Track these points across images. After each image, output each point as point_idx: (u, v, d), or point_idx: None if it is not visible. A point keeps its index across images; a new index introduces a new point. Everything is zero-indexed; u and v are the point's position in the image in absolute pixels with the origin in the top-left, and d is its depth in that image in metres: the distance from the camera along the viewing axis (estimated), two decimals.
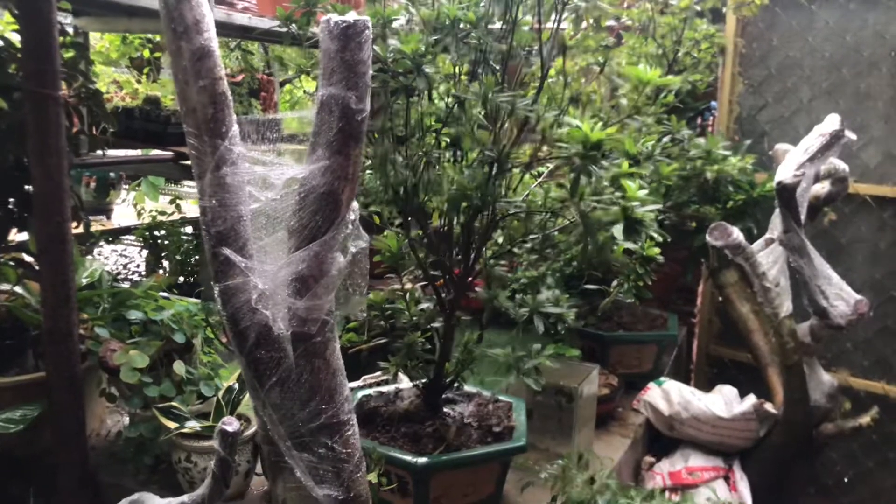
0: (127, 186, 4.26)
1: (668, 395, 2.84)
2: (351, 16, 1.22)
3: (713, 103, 3.60)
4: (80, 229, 3.52)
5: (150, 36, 3.19)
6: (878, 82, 3.24)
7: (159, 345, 2.17)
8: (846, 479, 3.50)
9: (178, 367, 2.13)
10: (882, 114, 3.25)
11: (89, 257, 3.24)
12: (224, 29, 2.78)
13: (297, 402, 1.31)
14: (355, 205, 1.30)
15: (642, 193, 1.53)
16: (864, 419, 2.83)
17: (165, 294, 2.48)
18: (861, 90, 3.28)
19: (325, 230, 1.26)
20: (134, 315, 2.23)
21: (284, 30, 1.77)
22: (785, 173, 2.35)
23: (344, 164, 1.23)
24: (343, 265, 1.30)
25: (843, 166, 2.74)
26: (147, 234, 3.64)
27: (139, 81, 2.99)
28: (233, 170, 1.25)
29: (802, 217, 2.49)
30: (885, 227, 3.29)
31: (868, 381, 3.37)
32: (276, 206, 1.28)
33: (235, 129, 1.27)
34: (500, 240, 1.99)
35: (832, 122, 2.47)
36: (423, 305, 2.07)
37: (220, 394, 2.11)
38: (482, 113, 1.77)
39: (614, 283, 1.95)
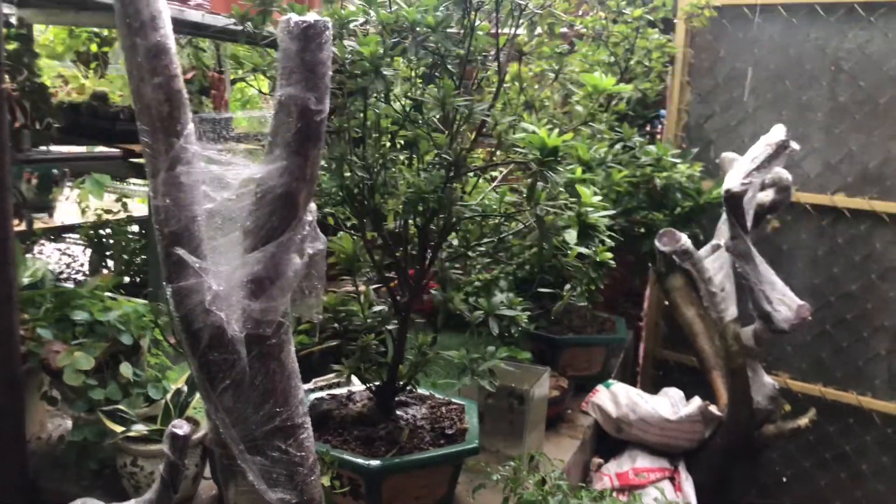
0: (71, 183, 4.14)
1: (615, 398, 2.89)
2: (311, 16, 1.21)
3: (662, 111, 3.67)
4: (23, 227, 3.43)
5: (97, 30, 3.11)
6: (819, 95, 3.35)
7: (105, 346, 2.11)
8: (784, 479, 3.60)
9: (125, 369, 2.08)
10: (822, 125, 3.36)
11: (30, 256, 3.15)
12: (176, 25, 2.72)
13: (250, 405, 1.29)
14: (313, 206, 1.29)
15: (596, 199, 1.56)
16: (803, 420, 2.92)
17: (112, 294, 2.42)
18: (803, 101, 3.39)
19: (282, 231, 1.25)
20: (79, 316, 2.17)
21: (239, 28, 1.76)
22: (733, 182, 2.42)
23: (302, 165, 1.22)
24: (299, 267, 1.29)
25: (786, 175, 2.83)
26: (92, 232, 3.55)
27: (86, 76, 2.92)
28: (188, 169, 1.23)
29: (749, 224, 2.56)
30: (824, 234, 3.40)
31: (806, 384, 3.48)
32: (232, 206, 1.26)
33: (191, 127, 1.25)
34: (455, 242, 2.00)
35: (778, 132, 2.55)
36: (377, 308, 2.07)
37: (169, 396, 2.07)
38: (439, 116, 1.78)
39: (567, 286, 1.98)
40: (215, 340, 1.27)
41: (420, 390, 2.16)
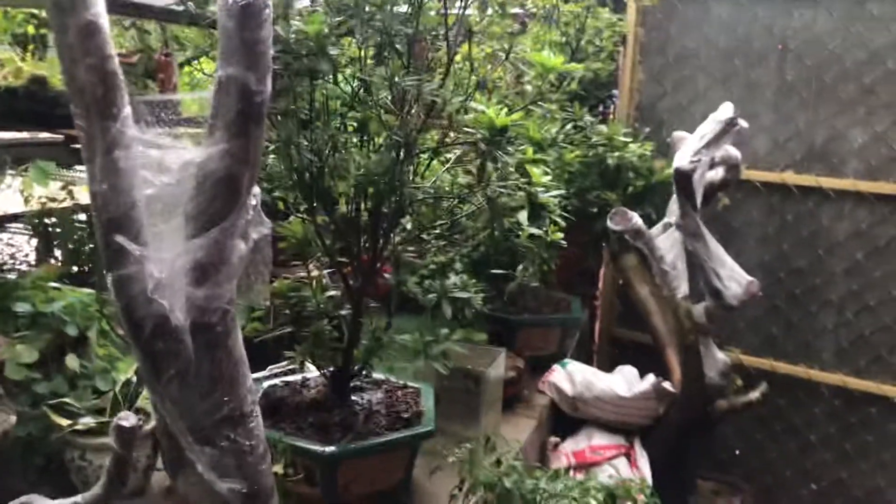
0: (13, 171, 4.00)
1: (571, 377, 2.91)
2: None
3: (615, 91, 3.69)
4: None
5: (34, 11, 3.00)
6: (767, 73, 3.40)
7: (49, 338, 2.05)
8: (737, 452, 3.69)
9: (71, 361, 2.03)
10: (770, 103, 3.41)
11: None
12: (118, 7, 2.64)
13: (197, 395, 1.26)
14: (256, 190, 1.26)
15: (546, 179, 1.55)
16: (754, 394, 2.99)
17: (56, 284, 2.35)
18: (752, 80, 3.43)
19: (225, 216, 1.21)
20: (21, 307, 2.10)
21: (181, 9, 1.70)
22: (682, 160, 2.44)
23: (244, 148, 1.19)
24: (244, 252, 1.26)
25: (735, 153, 2.87)
26: (36, 221, 3.43)
27: (23, 59, 2.81)
28: (125, 153, 1.19)
29: (698, 202, 2.59)
30: (774, 211, 3.46)
31: (757, 359, 3.55)
32: (173, 191, 1.22)
33: (128, 110, 1.20)
34: (409, 226, 1.98)
35: (726, 110, 2.58)
36: (331, 293, 2.04)
37: (118, 388, 2.02)
38: (389, 97, 1.75)
39: (520, 267, 1.98)
40: (159, 330, 1.23)
41: (376, 375, 2.15)
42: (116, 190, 1.20)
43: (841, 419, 3.43)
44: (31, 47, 2.95)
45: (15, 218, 3.75)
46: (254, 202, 1.26)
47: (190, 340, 1.25)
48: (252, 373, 2.10)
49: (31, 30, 3.00)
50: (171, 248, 1.25)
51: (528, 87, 1.81)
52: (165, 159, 1.22)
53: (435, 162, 1.97)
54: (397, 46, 1.71)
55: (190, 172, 1.21)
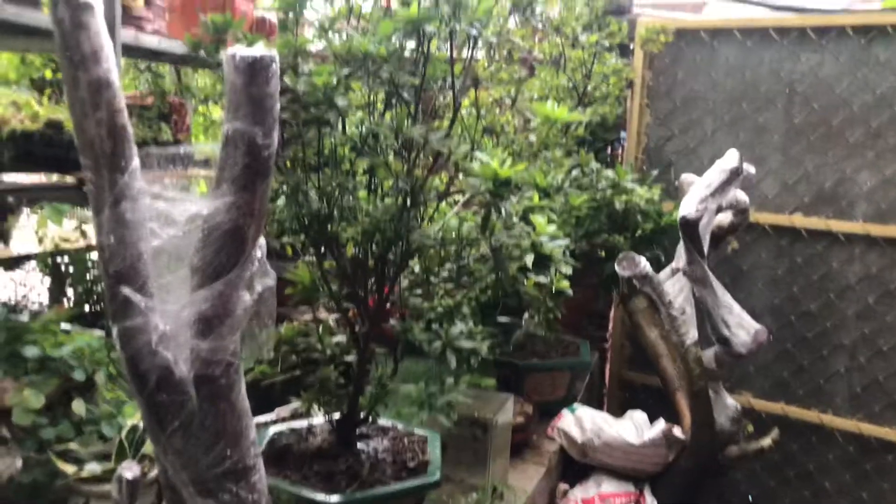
0: (28, 210, 4.05)
1: (581, 422, 2.88)
2: (258, 49, 1.19)
3: (623, 133, 3.71)
4: None
5: (52, 56, 3.05)
6: (775, 116, 3.41)
7: (57, 383, 2.06)
8: (750, 499, 3.62)
9: (78, 406, 2.03)
10: (778, 146, 3.41)
11: None
12: (133, 51, 2.69)
13: (200, 448, 1.26)
14: (262, 241, 1.27)
15: (551, 228, 1.55)
16: (766, 441, 2.94)
17: (67, 327, 2.36)
18: (759, 123, 3.44)
19: (230, 268, 1.22)
20: (30, 352, 2.11)
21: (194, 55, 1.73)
22: (688, 208, 2.44)
23: (250, 201, 1.20)
24: (249, 304, 1.26)
25: (744, 198, 2.86)
26: (49, 261, 3.47)
27: (40, 104, 2.86)
28: (133, 206, 1.20)
29: (705, 248, 2.58)
30: (783, 254, 3.45)
31: (769, 403, 3.51)
32: (179, 243, 1.23)
33: (136, 162, 1.22)
34: (416, 269, 1.99)
35: (732, 158, 2.58)
36: (337, 339, 2.04)
37: (124, 433, 2.01)
38: (396, 145, 1.77)
39: (525, 315, 1.97)
40: (163, 381, 1.23)
41: (382, 421, 2.13)
42: (123, 242, 1.21)
43: (856, 466, 3.37)
44: (48, 92, 3.00)
45: (29, 258, 3.79)
46: (259, 254, 1.27)
47: (194, 393, 1.25)
48: (259, 415, 2.10)
49: (48, 74, 3.06)
50: (176, 300, 1.25)
51: (533, 137, 1.82)
52: (172, 212, 1.23)
53: (444, 203, 1.97)
54: (404, 95, 1.73)
55: (196, 225, 1.22)
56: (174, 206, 1.24)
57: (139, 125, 2.76)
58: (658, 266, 2.96)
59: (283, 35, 1.84)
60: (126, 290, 1.22)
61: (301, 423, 2.15)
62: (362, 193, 1.83)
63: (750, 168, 2.65)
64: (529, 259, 1.53)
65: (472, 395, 2.13)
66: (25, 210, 4.32)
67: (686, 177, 3.05)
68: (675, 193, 3.31)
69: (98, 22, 1.16)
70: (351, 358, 1.99)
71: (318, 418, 2.16)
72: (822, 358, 3.40)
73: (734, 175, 2.49)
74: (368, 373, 1.96)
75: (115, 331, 1.24)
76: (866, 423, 3.30)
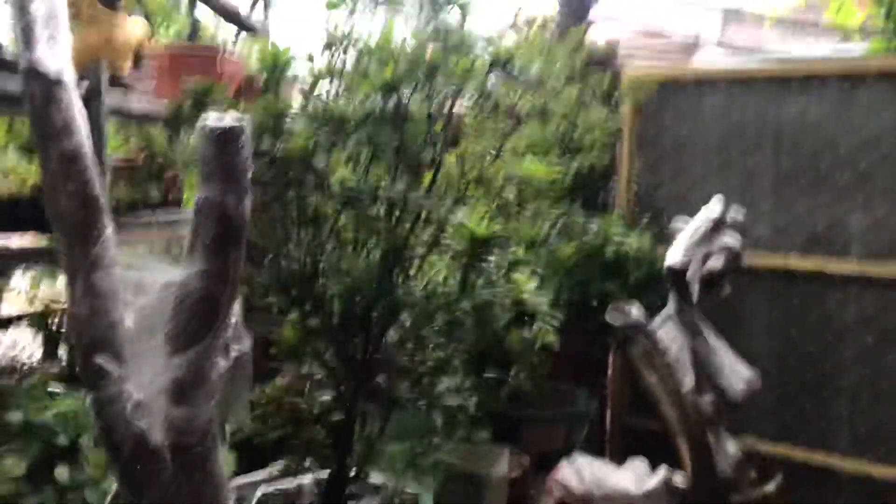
0: (20, 272, 4.05)
1: (580, 473, 2.83)
2: (229, 118, 1.20)
3: (612, 182, 3.72)
4: None
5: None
6: (764, 161, 3.42)
7: (39, 448, 2.03)
8: None
9: (61, 472, 2.00)
10: (769, 190, 3.42)
11: None
12: (121, 115, 2.72)
13: None
14: (237, 307, 1.26)
15: (532, 285, 1.55)
16: (769, 487, 2.88)
17: (57, 389, 2.34)
18: (749, 168, 3.45)
19: (204, 335, 1.21)
20: (14, 417, 2.09)
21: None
22: (673, 257, 2.43)
23: (222, 268, 1.20)
24: (224, 370, 1.25)
25: (734, 243, 2.85)
26: (41, 322, 3.46)
27: (27, 169, 2.88)
28: (105, 275, 1.20)
29: (695, 296, 2.56)
30: (778, 297, 3.42)
31: (772, 446, 3.44)
32: (152, 311, 1.23)
33: (108, 231, 1.22)
34: (406, 324, 1.97)
35: (715, 205, 2.58)
36: (324, 397, 2.02)
37: (108, 500, 1.98)
38: (377, 204, 1.77)
39: (512, 372, 1.96)
40: (138, 450, 1.22)
41: (373, 478, 2.10)
42: (96, 312, 1.21)
43: None
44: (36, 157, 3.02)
45: (19, 318, 3.78)
46: (233, 319, 1.26)
47: (170, 461, 1.23)
48: (251, 472, 2.07)
49: None
50: (150, 368, 1.24)
51: (511, 196, 1.82)
52: (144, 280, 1.22)
53: (430, 258, 1.96)
54: (385, 155, 1.74)
55: (169, 293, 1.21)
56: (147, 275, 1.23)
57: (129, 186, 2.78)
58: (655, 312, 2.94)
59: (265, 97, 1.86)
60: (99, 360, 1.21)
61: (290, 483, 2.12)
62: (346, 253, 1.83)
63: (738, 215, 2.65)
64: (508, 317, 1.52)
65: (463, 450, 2.09)
66: (15, 274, 4.32)
67: (677, 224, 3.05)
68: (667, 239, 3.30)
69: (70, 95, 1.18)
70: (338, 416, 1.97)
71: (307, 478, 2.13)
72: (823, 401, 3.36)
73: (719, 224, 2.49)
74: (355, 431, 1.93)
75: (89, 400, 1.23)
76: (873, 465, 3.24)
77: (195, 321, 1.21)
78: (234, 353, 1.28)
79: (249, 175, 1.21)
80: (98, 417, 1.23)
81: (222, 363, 1.26)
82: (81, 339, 1.22)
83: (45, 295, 3.51)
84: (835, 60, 3.31)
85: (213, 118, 1.19)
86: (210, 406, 1.24)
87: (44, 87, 1.14)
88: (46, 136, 1.17)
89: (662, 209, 3.62)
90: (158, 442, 1.22)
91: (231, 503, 1.29)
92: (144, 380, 1.23)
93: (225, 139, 1.17)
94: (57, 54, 1.17)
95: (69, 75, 1.17)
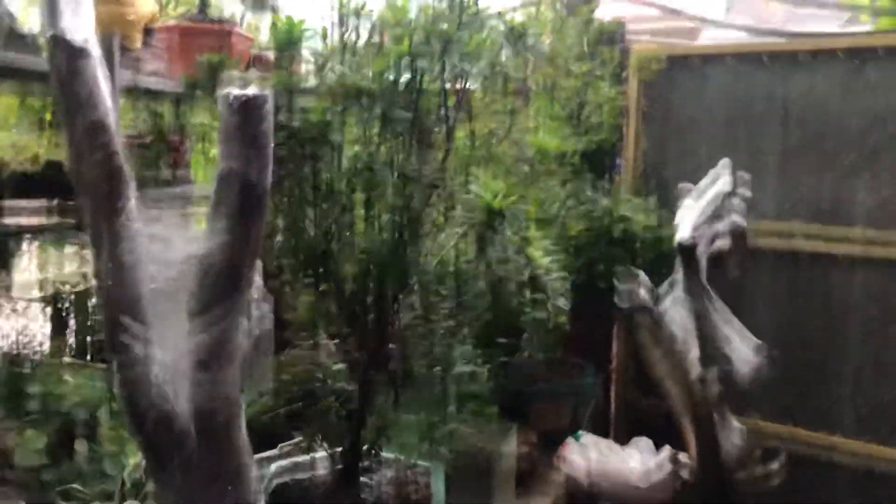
0: (28, 252, 4.07)
1: (586, 452, 2.85)
2: (252, 89, 1.21)
3: (620, 160, 3.72)
4: None
5: (51, 98, 3.09)
6: (770, 139, 3.42)
7: (59, 422, 2.06)
8: None
9: (80, 445, 2.02)
10: (775, 169, 3.42)
11: None
12: (131, 91, 2.72)
13: (200, 486, 1.26)
14: (258, 279, 1.28)
15: (547, 260, 1.56)
16: (774, 465, 2.91)
17: (69, 361, 2.37)
18: (755, 146, 3.45)
19: (227, 303, 1.23)
20: (31, 391, 2.12)
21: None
22: (683, 234, 2.45)
23: (244, 240, 1.21)
24: (246, 341, 1.27)
25: (742, 222, 2.86)
26: (50, 299, 3.48)
27: (39, 145, 2.89)
28: (130, 246, 1.21)
29: (703, 274, 2.58)
30: (783, 276, 3.44)
31: (776, 426, 3.48)
32: (176, 283, 1.24)
33: (132, 204, 1.24)
34: (416, 298, 1.99)
35: (726, 180, 2.59)
36: (338, 367, 2.04)
37: (127, 472, 2.01)
38: (391, 178, 1.79)
39: (523, 345, 1.97)
40: (161, 420, 1.24)
41: (385, 453, 2.12)
42: (121, 283, 1.22)
43: (865, 491, 3.33)
44: (47, 133, 3.03)
45: (30, 297, 3.80)
46: (255, 291, 1.28)
47: (193, 431, 1.25)
48: (263, 450, 2.10)
49: (48, 116, 3.10)
50: (174, 339, 1.26)
51: (526, 168, 1.84)
52: (168, 251, 1.24)
53: (442, 235, 1.98)
54: (398, 129, 1.75)
55: (192, 264, 1.23)
56: (170, 246, 1.25)
57: (139, 163, 2.79)
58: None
59: (279, 72, 1.87)
60: (124, 330, 1.23)
61: (303, 458, 2.15)
62: (359, 227, 1.84)
63: (744, 192, 2.66)
64: (527, 293, 1.53)
65: (475, 425, 2.12)
66: (26, 250, 4.34)
67: (683, 186, 3.05)
68: (672, 218, 3.31)
69: (94, 67, 1.18)
70: (352, 388, 1.99)
71: (321, 452, 2.16)
72: (826, 381, 3.38)
73: (728, 199, 2.49)
74: (370, 404, 1.96)
75: (113, 371, 1.25)
76: (875, 445, 3.27)
77: (218, 290, 1.23)
78: (255, 323, 1.30)
79: (271, 146, 1.22)
80: (122, 388, 1.25)
81: (244, 332, 1.28)
82: (107, 309, 1.23)
83: (54, 275, 3.53)
84: (843, 36, 3.30)
85: (236, 89, 1.20)
86: (233, 373, 1.26)
87: (69, 58, 1.15)
88: (72, 108, 1.18)
89: (669, 188, 3.63)
90: (182, 411, 1.24)
91: (254, 469, 1.32)
92: (169, 348, 1.25)
93: (248, 109, 1.18)
94: (81, 25, 1.18)
95: (94, 47, 1.18)
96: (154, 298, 1.23)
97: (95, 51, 1.19)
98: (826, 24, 4.06)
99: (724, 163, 2.64)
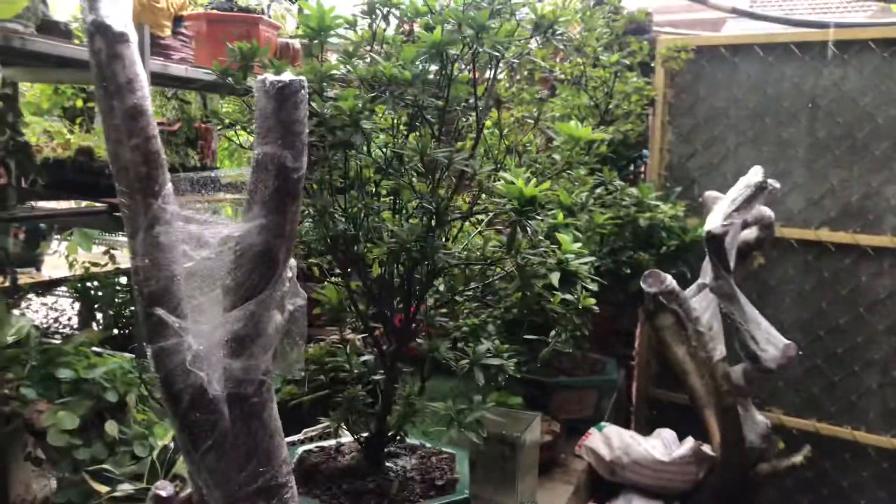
0: (59, 237, 4.14)
1: (608, 440, 2.86)
2: (287, 75, 1.23)
3: (645, 151, 3.71)
4: (7, 283, 3.42)
5: (83, 85, 3.14)
6: (798, 131, 3.40)
7: (90, 404, 2.09)
8: None
9: (111, 427, 2.06)
10: (803, 161, 3.40)
11: (16, 312, 3.13)
12: (160, 79, 2.75)
13: (233, 466, 1.28)
14: (292, 262, 1.30)
15: (576, 246, 1.56)
16: (797, 458, 2.90)
17: (98, 349, 2.41)
18: (783, 138, 3.43)
19: (262, 289, 1.25)
20: (64, 374, 2.15)
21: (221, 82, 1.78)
22: (713, 223, 2.43)
23: (280, 223, 1.22)
24: (280, 324, 1.29)
25: (768, 213, 2.85)
26: (79, 285, 3.53)
27: (71, 131, 2.94)
28: (166, 229, 1.23)
29: (732, 264, 2.57)
30: (810, 269, 3.42)
31: (800, 420, 3.46)
32: (211, 264, 1.26)
33: (169, 187, 1.25)
34: (442, 288, 2.00)
35: (756, 173, 2.58)
36: (364, 358, 2.06)
37: (155, 454, 2.04)
38: (420, 165, 1.79)
39: (552, 333, 1.98)
40: (196, 401, 1.26)
41: (410, 440, 2.14)
42: (157, 264, 1.24)
43: (891, 482, 3.31)
44: (79, 120, 3.08)
45: (59, 283, 3.86)
46: (290, 274, 1.30)
47: (227, 411, 1.27)
48: (287, 436, 2.12)
49: (79, 103, 3.14)
50: (209, 321, 1.28)
51: (557, 156, 1.84)
52: (204, 234, 1.26)
53: (467, 223, 1.99)
54: (428, 118, 1.75)
55: (228, 247, 1.25)
56: (206, 229, 1.27)
57: (167, 151, 2.82)
58: (684, 283, 2.95)
59: (308, 61, 1.88)
60: (160, 312, 1.25)
61: (329, 443, 2.17)
62: (387, 214, 1.85)
63: (774, 184, 2.64)
64: (555, 277, 1.54)
65: (499, 413, 2.13)
66: (56, 238, 4.41)
67: (710, 194, 3.05)
68: (698, 210, 3.31)
69: (133, 52, 1.20)
70: (378, 377, 2.00)
71: (347, 437, 2.18)
72: (853, 374, 3.36)
73: (759, 191, 2.48)
74: (396, 391, 1.97)
75: (149, 351, 1.27)
76: None
77: (254, 274, 1.24)
78: (290, 307, 1.32)
79: (306, 131, 1.24)
80: (158, 368, 1.27)
81: (279, 317, 1.30)
82: (142, 291, 1.25)
83: (83, 260, 3.58)
84: (874, 27, 3.25)
85: (271, 75, 1.22)
86: (267, 357, 1.28)
87: (109, 44, 1.17)
88: (111, 92, 1.20)
89: (694, 180, 3.62)
90: (217, 392, 1.26)
91: (285, 450, 1.33)
92: (204, 332, 1.27)
93: (284, 94, 1.19)
94: (120, 12, 1.20)
95: (132, 32, 1.20)
96: (190, 278, 1.25)
97: (134, 36, 1.21)
98: (852, 15, 4.01)
99: (756, 170, 2.63)
